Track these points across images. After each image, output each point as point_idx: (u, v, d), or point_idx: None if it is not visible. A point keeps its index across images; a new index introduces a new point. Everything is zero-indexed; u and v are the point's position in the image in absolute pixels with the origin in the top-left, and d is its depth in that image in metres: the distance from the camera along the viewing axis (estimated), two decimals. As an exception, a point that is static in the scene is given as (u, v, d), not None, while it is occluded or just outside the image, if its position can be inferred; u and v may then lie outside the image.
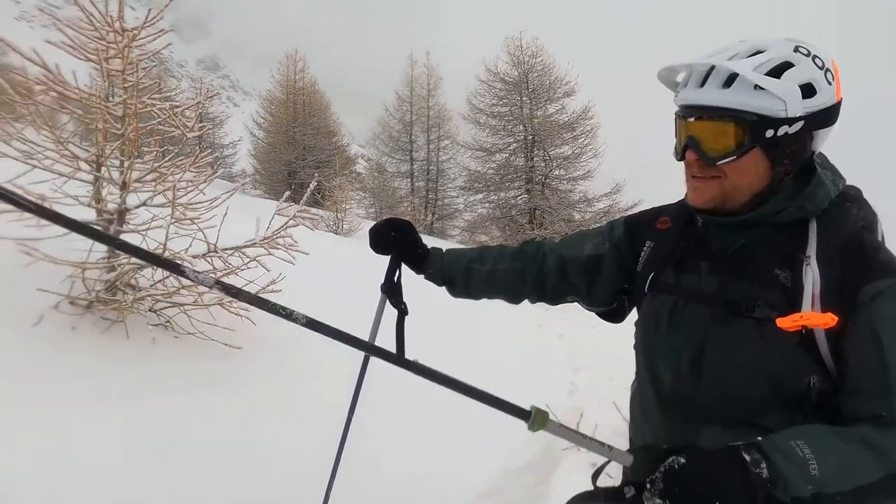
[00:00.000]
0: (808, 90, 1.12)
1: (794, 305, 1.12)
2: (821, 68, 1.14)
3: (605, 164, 22.90)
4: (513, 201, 24.56)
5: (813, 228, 1.17)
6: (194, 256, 3.50)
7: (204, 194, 3.89)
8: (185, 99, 9.34)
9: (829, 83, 1.15)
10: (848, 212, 1.19)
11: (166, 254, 3.45)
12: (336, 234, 14.30)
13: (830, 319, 1.08)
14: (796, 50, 1.14)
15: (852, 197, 1.23)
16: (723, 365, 1.21)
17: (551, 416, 1.25)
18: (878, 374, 1.05)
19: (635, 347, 1.47)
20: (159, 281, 3.62)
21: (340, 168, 24.05)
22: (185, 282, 3.60)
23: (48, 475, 2.26)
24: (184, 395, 3.06)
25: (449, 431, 3.76)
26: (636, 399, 1.48)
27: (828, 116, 1.16)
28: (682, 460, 1.00)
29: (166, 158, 3.76)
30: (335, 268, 6.46)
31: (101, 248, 3.58)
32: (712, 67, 1.14)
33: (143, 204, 3.65)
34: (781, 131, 1.12)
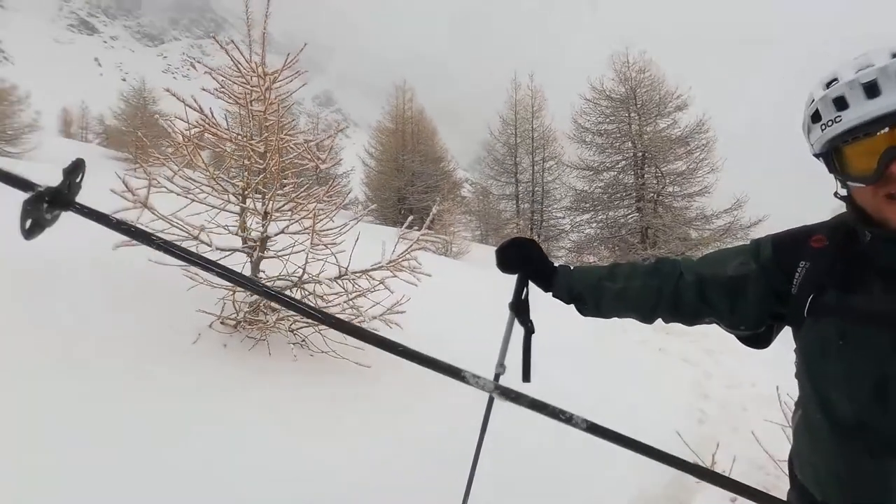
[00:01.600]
0: None
1: None
2: None
3: (723, 178, 21.53)
4: (622, 220, 23.78)
5: None
6: (328, 279, 3.72)
7: (333, 221, 4.14)
8: (307, 136, 10.06)
9: None
10: None
11: (304, 276, 3.70)
12: (446, 256, 14.59)
13: None
14: None
15: None
16: None
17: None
18: None
19: (797, 376, 1.37)
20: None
21: (448, 192, 24.59)
22: (320, 303, 3.84)
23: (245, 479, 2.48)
24: (321, 408, 3.24)
25: (575, 456, 3.67)
26: (802, 430, 1.37)
27: None
28: None
29: (302, 189, 4.06)
30: (451, 290, 6.58)
31: (246, 272, 3.91)
32: (875, 77, 1.05)
33: (283, 231, 3.96)
34: None
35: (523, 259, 1.74)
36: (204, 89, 4.04)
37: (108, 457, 2.32)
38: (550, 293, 1.75)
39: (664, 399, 5.45)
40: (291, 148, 4.28)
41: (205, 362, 3.34)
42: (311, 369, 3.67)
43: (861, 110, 1.09)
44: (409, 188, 28.06)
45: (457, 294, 6.38)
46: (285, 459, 2.73)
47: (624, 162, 23.99)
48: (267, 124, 4.10)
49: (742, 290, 1.46)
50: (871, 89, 1.06)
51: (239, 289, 3.75)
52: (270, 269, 4.01)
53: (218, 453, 2.60)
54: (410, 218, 3.90)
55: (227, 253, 3.83)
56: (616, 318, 1.76)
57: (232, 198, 3.99)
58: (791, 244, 1.41)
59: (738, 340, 1.60)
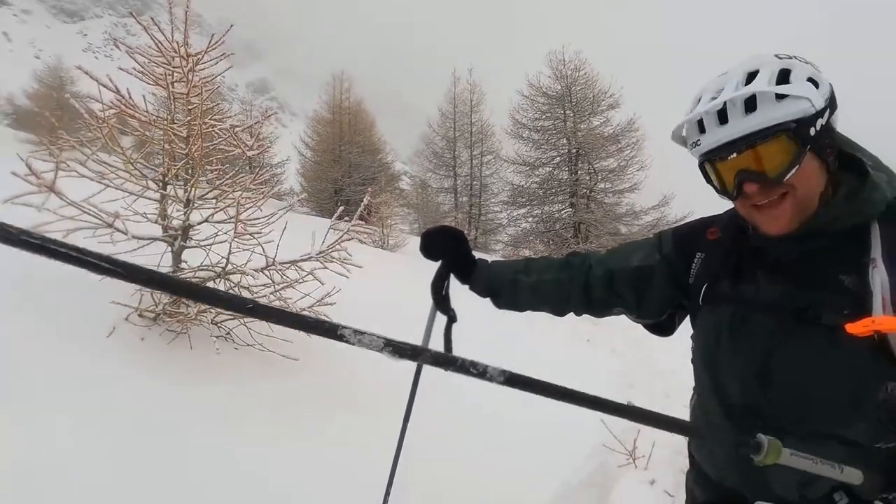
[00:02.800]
0: (814, 82, 1.13)
1: (863, 310, 1.09)
2: (806, 63, 1.16)
3: (652, 176, 22.44)
4: (557, 215, 24.35)
5: (875, 231, 1.14)
6: (254, 270, 3.60)
7: (262, 210, 4.01)
8: (236, 121, 9.72)
9: (819, 71, 1.17)
10: None
11: (228, 266, 3.56)
12: (382, 249, 14.48)
13: None
14: (779, 57, 1.16)
15: None
16: (793, 374, 1.18)
17: (770, 442, 1.17)
18: None
19: (693, 361, 1.44)
20: (221, 294, 3.74)
21: (386, 185, 24.40)
22: (245, 294, 3.72)
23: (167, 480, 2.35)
24: (248, 408, 3.13)
25: (503, 446, 3.73)
26: (698, 413, 1.44)
27: (835, 99, 1.18)
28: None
29: (227, 176, 3.91)
30: (384, 281, 6.53)
31: (167, 263, 3.73)
32: (724, 104, 1.13)
33: (206, 220, 3.79)
34: (819, 125, 1.13)
35: (447, 248, 1.73)
36: (121, 69, 3.81)
37: (12, 459, 2.15)
38: (467, 286, 1.75)
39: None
40: (217, 133, 4.10)
41: (120, 357, 3.16)
42: (235, 363, 3.54)
43: (714, 136, 1.16)
44: (346, 179, 27.63)
45: (391, 285, 6.35)
46: (207, 460, 2.62)
47: (559, 158, 24.53)
48: (190, 108, 3.91)
49: (647, 281, 1.52)
50: (722, 116, 1.13)
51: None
52: (193, 259, 3.83)
53: (133, 451, 2.47)
54: (341, 208, 3.82)
55: (146, 242, 3.64)
56: (531, 312, 1.79)
57: (151, 184, 3.78)
58: (689, 236, 1.49)
59: (645, 329, 1.67)
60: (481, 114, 28.15)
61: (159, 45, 3.77)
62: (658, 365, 6.93)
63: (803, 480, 1.19)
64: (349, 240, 3.85)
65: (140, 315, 3.52)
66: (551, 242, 23.55)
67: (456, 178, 28.04)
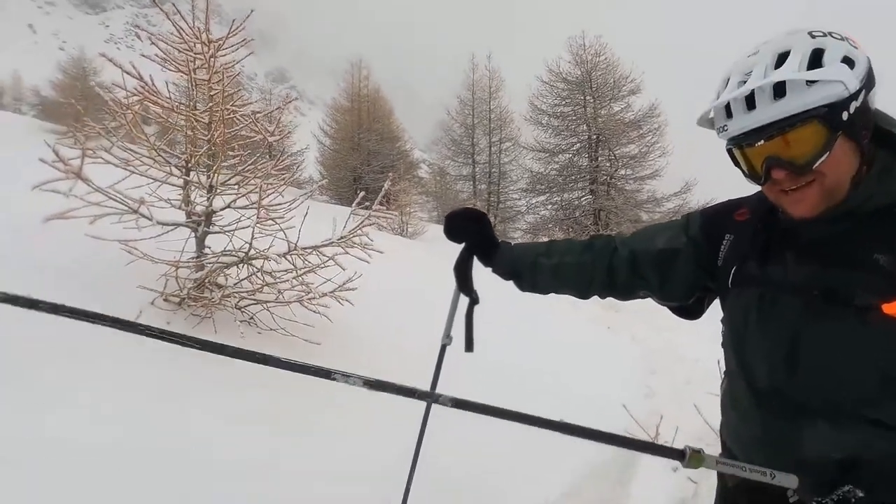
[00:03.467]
0: (849, 62, 1.08)
1: None
2: (842, 39, 1.11)
3: (674, 162, 22.13)
4: (576, 202, 24.19)
5: None
6: (277, 255, 3.62)
7: (283, 196, 4.04)
8: (256, 108, 9.79)
9: (856, 48, 1.11)
10: None
11: (251, 251, 3.60)
12: (402, 236, 14.53)
13: None
14: (813, 36, 1.11)
15: None
16: (822, 356, 1.16)
17: (705, 452, 1.20)
18: None
19: (723, 345, 1.41)
20: (244, 279, 3.78)
21: (404, 172, 24.42)
22: (268, 279, 3.75)
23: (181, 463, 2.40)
24: (270, 388, 3.17)
25: (523, 435, 3.73)
26: (728, 398, 1.42)
27: (872, 76, 1.13)
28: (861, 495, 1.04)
29: (249, 162, 3.93)
30: (405, 267, 6.55)
31: (191, 248, 3.78)
32: (752, 91, 1.09)
33: (229, 206, 3.83)
34: (852, 108, 1.08)
35: (471, 230, 1.74)
36: (143, 55, 3.84)
37: (45, 434, 2.21)
38: (490, 269, 1.75)
39: (613, 375, 5.61)
40: (238, 119, 4.12)
41: (146, 341, 3.21)
42: (258, 346, 3.58)
43: (742, 122, 1.12)
44: (365, 167, 27.70)
45: (411, 271, 6.36)
46: (231, 447, 2.66)
47: (579, 144, 24.33)
48: (212, 94, 3.93)
49: (672, 263, 1.49)
50: (750, 102, 1.10)
51: (183, 263, 3.62)
52: (216, 245, 3.88)
53: (163, 432, 2.51)
54: (362, 194, 3.82)
55: (170, 227, 3.68)
56: (555, 295, 1.77)
57: (175, 170, 3.82)
58: (718, 218, 1.45)
59: (671, 312, 1.64)
60: (500, 100, 27.95)
61: (181, 31, 3.79)
62: (679, 351, 6.86)
63: (833, 458, 1.17)
64: (370, 225, 3.86)
65: (165, 300, 3.58)
66: (570, 230, 23.41)
67: (475, 165, 27.94)
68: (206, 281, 3.68)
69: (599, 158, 23.70)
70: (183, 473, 2.32)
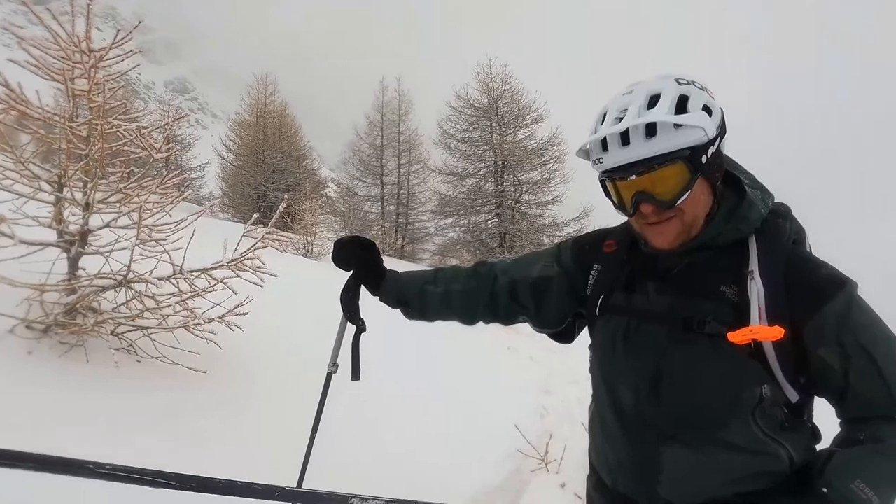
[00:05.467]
0: (708, 111, 1.22)
1: (743, 319, 1.18)
2: (703, 89, 1.25)
3: (573, 188, 23.31)
4: (483, 225, 24.78)
5: (753, 245, 1.25)
6: (159, 279, 3.42)
7: (170, 216, 3.83)
8: (152, 121, 9.25)
9: (713, 98, 1.26)
10: (781, 227, 1.29)
11: (130, 275, 3.37)
12: (305, 257, 14.17)
13: (778, 332, 1.14)
14: (679, 83, 1.23)
15: (783, 213, 1.33)
16: (680, 381, 1.26)
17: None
18: (879, 382, 1.15)
19: (591, 371, 1.50)
20: (123, 304, 3.53)
21: (310, 191, 23.93)
22: (150, 304, 3.53)
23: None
24: (146, 421, 2.97)
25: (419, 452, 3.73)
26: (595, 422, 1.49)
27: (724, 125, 1.28)
28: None
29: (132, 179, 3.70)
30: (304, 290, 6.39)
31: (60, 270, 3.49)
32: (627, 129, 1.19)
33: (107, 225, 3.58)
34: (710, 152, 1.22)
35: (358, 258, 1.76)
36: (12, 61, 3.54)
37: None
38: (377, 297, 1.77)
39: (510, 395, 5.74)
40: (123, 134, 3.88)
41: (3, 372, 2.91)
42: (136, 376, 3.35)
43: (616, 156, 1.22)
44: (270, 185, 26.87)
45: (311, 294, 6.21)
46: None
47: (485, 169, 25.02)
48: (92, 106, 3.68)
49: (546, 291, 1.58)
50: (625, 138, 1.19)
51: (50, 286, 3.32)
52: (92, 267, 3.60)
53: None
54: (255, 215, 3.71)
55: (37, 248, 3.38)
56: (441, 322, 1.81)
57: (45, 185, 3.52)
58: (587, 248, 1.55)
59: (549, 338, 1.73)
60: (409, 123, 28.22)
61: (56, 37, 3.53)
62: (574, 372, 7.16)
63: (690, 486, 1.26)
64: (263, 247, 3.74)
65: (28, 327, 3.26)
66: (478, 252, 23.92)
67: (383, 186, 27.91)
68: (78, 305, 3.40)
69: (505, 183, 24.49)
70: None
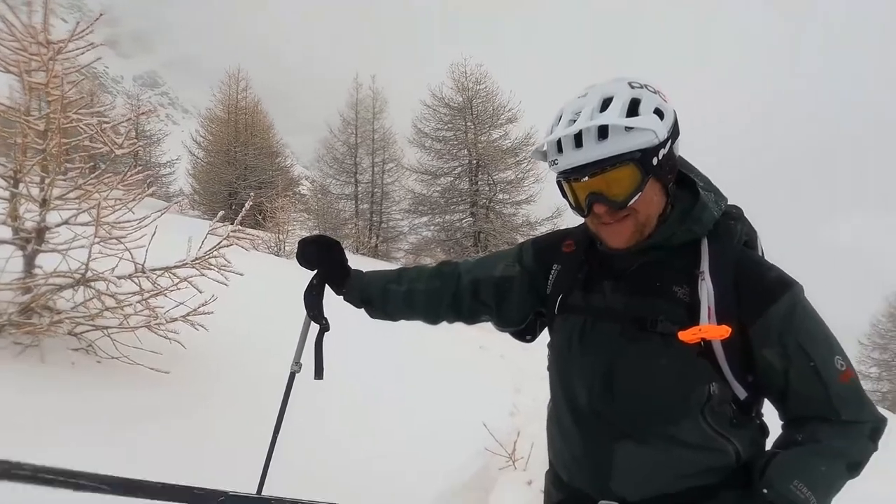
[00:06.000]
0: (659, 114, 1.24)
1: (693, 319, 1.22)
2: (655, 92, 1.27)
3: (546, 188, 23.52)
4: (457, 224, 24.85)
5: (704, 246, 1.29)
6: (119, 277, 3.34)
7: (133, 213, 3.74)
8: (117, 116, 9.01)
9: (666, 101, 1.28)
10: (733, 229, 1.32)
11: (89, 273, 3.29)
12: (277, 255, 13.99)
13: (726, 331, 1.18)
14: (632, 86, 1.26)
15: (735, 215, 1.36)
16: (633, 379, 1.28)
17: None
18: (818, 384, 1.20)
19: (549, 368, 1.52)
20: (81, 303, 3.44)
21: (283, 189, 23.65)
22: (110, 303, 3.45)
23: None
24: (105, 423, 2.90)
25: (387, 452, 3.72)
26: (552, 419, 1.52)
27: (677, 127, 1.30)
28: None
29: (92, 175, 3.61)
30: (274, 289, 6.32)
31: (15, 268, 3.38)
32: (580, 131, 1.21)
33: (66, 222, 3.48)
34: (661, 155, 1.24)
35: (322, 258, 1.76)
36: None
37: None
38: (342, 296, 1.78)
39: (480, 394, 5.77)
40: (82, 129, 3.78)
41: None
42: (96, 377, 3.27)
43: (570, 158, 1.24)
44: (241, 182, 26.51)
45: (280, 293, 6.14)
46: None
47: (460, 168, 25.09)
48: (50, 99, 3.57)
49: (508, 290, 1.59)
50: (578, 140, 1.22)
51: (3, 286, 3.22)
52: (49, 265, 3.50)
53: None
54: (221, 213, 3.64)
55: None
56: (412, 322, 1.81)
57: (0, 181, 3.41)
58: (547, 248, 1.57)
59: (511, 336, 1.74)
60: (383, 121, 28.11)
61: (11, 27, 3.42)
62: (545, 370, 7.22)
63: (641, 481, 1.29)
64: (229, 245, 3.69)
65: (-20, 327, 3.16)
66: (452, 251, 23.98)
67: (357, 184, 27.75)
68: (34, 305, 3.30)
69: (479, 182, 24.59)
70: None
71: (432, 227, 25.54)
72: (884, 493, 4.73)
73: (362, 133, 27.87)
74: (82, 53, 3.82)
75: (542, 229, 23.30)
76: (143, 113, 4.26)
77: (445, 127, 25.23)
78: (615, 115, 1.19)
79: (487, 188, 24.49)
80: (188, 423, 3.23)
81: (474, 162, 24.55)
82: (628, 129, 1.19)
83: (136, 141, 3.97)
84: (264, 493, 1.94)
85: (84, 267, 3.27)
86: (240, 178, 26.65)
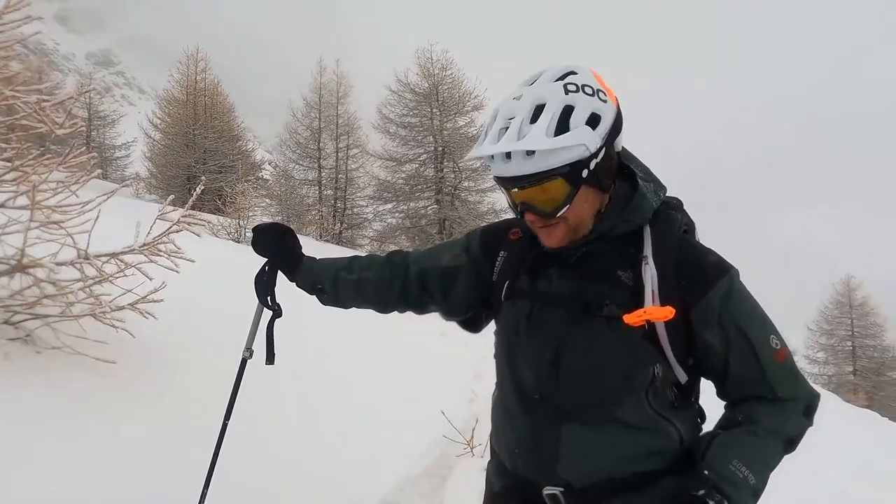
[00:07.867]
0: (594, 121, 1.22)
1: (637, 302, 1.25)
2: (592, 94, 1.24)
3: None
4: (422, 211, 24.80)
5: (647, 233, 1.32)
6: (59, 263, 3.20)
7: (77, 196, 3.57)
8: (64, 94, 8.62)
9: (605, 100, 1.25)
10: (673, 217, 1.36)
11: (25, 260, 3.13)
12: (238, 242, 13.70)
13: (669, 312, 1.22)
14: (567, 91, 1.22)
15: (674, 205, 1.41)
16: (578, 362, 1.31)
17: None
18: (755, 363, 1.26)
19: (495, 355, 1.53)
20: (19, 291, 3.28)
21: (244, 174, 23.15)
22: (49, 290, 3.29)
23: None
24: (38, 416, 2.77)
25: (344, 440, 3.69)
26: (498, 406, 1.52)
27: (617, 127, 1.28)
28: None
29: (29, 156, 3.43)
30: (232, 276, 6.17)
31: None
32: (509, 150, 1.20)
33: (1, 205, 3.30)
34: (593, 165, 1.24)
35: (274, 245, 1.79)
36: None
37: None
38: (294, 283, 1.80)
39: (440, 381, 5.77)
40: (20, 107, 3.58)
41: None
42: (35, 367, 3.12)
43: (500, 170, 1.25)
44: (201, 166, 25.80)
45: (236, 279, 6.00)
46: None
47: (425, 155, 25.00)
48: (-16, 75, 3.37)
49: (455, 281, 1.60)
50: (507, 155, 1.21)
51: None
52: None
53: None
54: (171, 197, 3.51)
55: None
56: (356, 309, 1.82)
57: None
58: (494, 236, 1.59)
59: (458, 326, 1.74)
60: (348, 106, 27.69)
61: (-62, -3, 3.20)
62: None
63: (587, 465, 1.31)
64: (179, 231, 3.56)
65: None
66: (417, 238, 23.94)
67: (320, 170, 27.34)
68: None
69: (444, 170, 24.56)
70: None
71: (397, 215, 25.42)
72: (820, 468, 4.95)
73: (326, 117, 27.41)
74: (20, 26, 3.62)
75: (508, 216, 23.40)
76: (86, 91, 4.04)
77: (411, 113, 25.05)
78: (541, 134, 1.18)
79: (453, 175, 24.48)
80: (138, 413, 3.12)
81: (440, 149, 24.48)
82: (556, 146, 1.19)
83: (78, 121, 3.78)
84: (214, 481, 1.92)
85: (20, 253, 3.11)
86: (198, 161, 25.94)
